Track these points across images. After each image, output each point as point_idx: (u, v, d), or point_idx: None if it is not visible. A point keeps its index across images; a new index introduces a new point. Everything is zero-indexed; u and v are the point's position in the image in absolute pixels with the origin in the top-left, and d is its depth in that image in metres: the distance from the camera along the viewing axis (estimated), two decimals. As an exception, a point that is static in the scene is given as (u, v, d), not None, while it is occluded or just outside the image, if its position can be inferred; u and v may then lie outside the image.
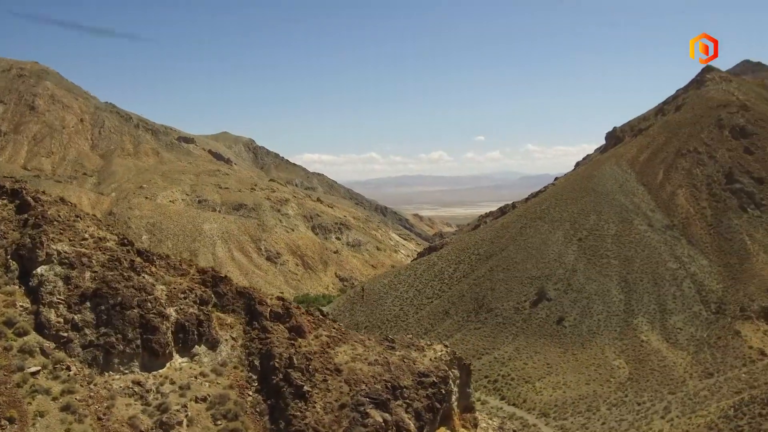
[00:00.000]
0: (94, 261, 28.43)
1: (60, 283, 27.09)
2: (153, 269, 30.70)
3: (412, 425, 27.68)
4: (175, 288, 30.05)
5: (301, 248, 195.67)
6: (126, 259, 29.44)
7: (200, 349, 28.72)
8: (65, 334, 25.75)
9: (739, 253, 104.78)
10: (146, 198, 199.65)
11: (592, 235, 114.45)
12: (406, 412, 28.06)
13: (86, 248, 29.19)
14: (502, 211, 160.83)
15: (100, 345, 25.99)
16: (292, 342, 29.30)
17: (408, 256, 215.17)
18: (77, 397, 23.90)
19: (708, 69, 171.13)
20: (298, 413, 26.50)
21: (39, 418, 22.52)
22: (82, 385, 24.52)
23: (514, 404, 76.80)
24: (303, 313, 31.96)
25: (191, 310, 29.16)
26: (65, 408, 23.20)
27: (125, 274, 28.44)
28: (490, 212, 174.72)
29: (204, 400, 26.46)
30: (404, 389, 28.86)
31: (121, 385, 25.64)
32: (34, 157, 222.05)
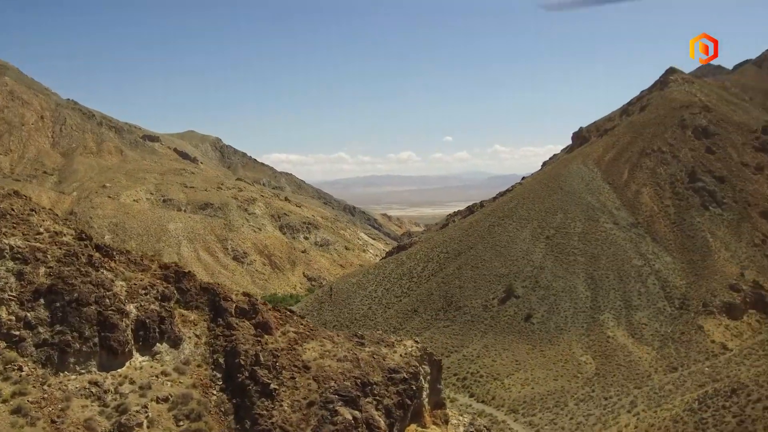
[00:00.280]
0: (49, 256, 27.09)
1: (12, 279, 25.70)
2: (112, 264, 29.42)
3: (383, 422, 27.05)
4: (135, 284, 28.84)
5: (268, 248, 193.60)
6: (83, 254, 28.13)
7: (162, 347, 27.58)
8: (17, 333, 24.39)
9: (701, 250, 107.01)
10: (109, 197, 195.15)
11: (559, 233, 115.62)
12: (377, 409, 27.41)
13: (41, 243, 27.83)
14: (471, 210, 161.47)
15: (55, 344, 24.69)
16: (259, 339, 28.38)
17: (376, 255, 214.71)
18: (29, 399, 22.62)
19: (671, 71, 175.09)
20: (265, 412, 25.62)
21: (-13, 422, 21.26)
22: (34, 387, 23.24)
23: (483, 401, 76.95)
24: (270, 310, 31.05)
25: (152, 306, 27.99)
26: (16, 411, 21.92)
27: (82, 269, 27.15)
28: (458, 211, 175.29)
29: (165, 400, 25.36)
30: (374, 386, 28.21)
31: (77, 385, 24.40)
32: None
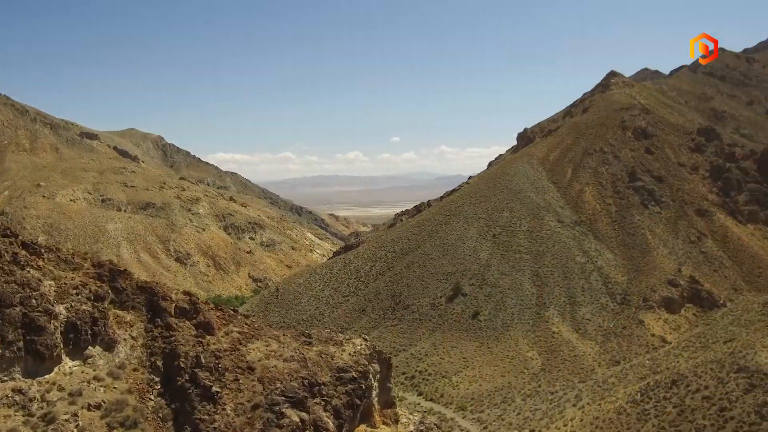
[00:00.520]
0: (-32, 254, 25.00)
1: (-75, 280, 23.58)
2: (40, 263, 27.43)
3: (331, 424, 26.11)
4: (66, 283, 26.96)
5: (212, 248, 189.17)
6: (8, 252, 26.11)
7: (94, 350, 25.84)
8: (-70, 338, 22.36)
9: (641, 246, 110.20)
10: (44, 197, 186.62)
11: (506, 231, 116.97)
12: (325, 410, 26.45)
13: (-41, 240, 25.66)
14: (418, 209, 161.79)
15: (-26, 349, 22.75)
16: (200, 339, 26.96)
17: (324, 255, 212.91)
18: (-56, 410, 20.72)
19: (612, 74, 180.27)
20: (206, 416, 24.29)
21: None
22: (-50, 396, 21.31)
23: (431, 399, 76.80)
24: (212, 309, 29.63)
25: (84, 307, 26.20)
26: (-72, 423, 20.01)
27: (6, 268, 25.18)
28: (406, 210, 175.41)
29: (98, 407, 23.69)
30: (322, 386, 27.23)
31: (-1, 393, 22.53)
32: None
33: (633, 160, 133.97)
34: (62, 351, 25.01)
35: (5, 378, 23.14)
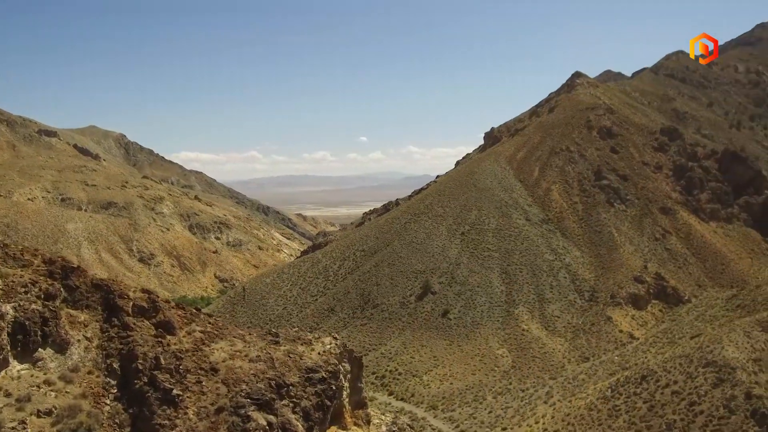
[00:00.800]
0: None
1: None
2: (-15, 260, 25.56)
3: (300, 426, 24.87)
4: (13, 281, 25.11)
5: (177, 248, 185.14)
6: (-52, 248, 24.21)
7: (45, 352, 24.09)
8: None
9: (607, 244, 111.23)
10: (0, 196, 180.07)
11: (474, 229, 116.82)
12: (294, 412, 25.19)
13: None
14: (386, 208, 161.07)
15: None
16: (160, 340, 25.40)
17: (291, 255, 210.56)
18: None
19: (577, 75, 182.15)
20: (166, 422, 22.81)
21: None
22: None
23: (402, 399, 75.93)
24: (172, 307, 28.05)
25: (34, 306, 24.42)
26: None
27: (-54, 265, 23.31)
28: (374, 209, 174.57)
29: (48, 413, 22.00)
30: (290, 387, 25.96)
31: (-62, 400, 20.72)
32: None
33: (598, 158, 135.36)
34: (9, 354, 23.20)
35: (-56, 384, 21.33)
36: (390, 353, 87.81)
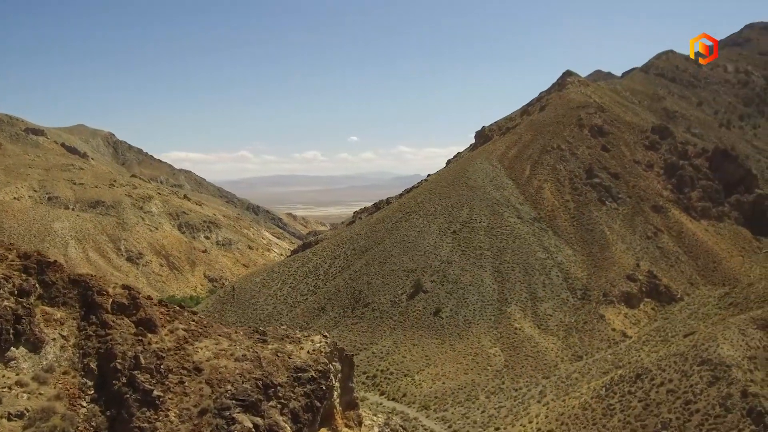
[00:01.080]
0: None
1: None
2: (-45, 255, 24.24)
3: (289, 428, 23.71)
4: (-15, 277, 23.80)
5: (166, 248, 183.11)
6: None
7: (18, 351, 22.77)
8: None
9: (599, 242, 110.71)
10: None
11: (466, 227, 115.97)
12: (281, 414, 24.02)
13: None
14: (377, 206, 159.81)
15: None
16: (140, 338, 24.14)
17: (281, 254, 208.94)
18: None
19: (568, 73, 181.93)
20: (146, 424, 21.57)
21: None
22: None
23: (393, 399, 74.89)
24: (154, 305, 26.78)
25: (6, 303, 23.10)
26: None
27: None
28: (365, 208, 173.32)
29: (20, 416, 20.72)
30: (278, 387, 24.78)
31: None
32: None
33: (590, 157, 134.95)
34: (-21, 353, 21.93)
35: None
36: (381, 353, 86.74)
